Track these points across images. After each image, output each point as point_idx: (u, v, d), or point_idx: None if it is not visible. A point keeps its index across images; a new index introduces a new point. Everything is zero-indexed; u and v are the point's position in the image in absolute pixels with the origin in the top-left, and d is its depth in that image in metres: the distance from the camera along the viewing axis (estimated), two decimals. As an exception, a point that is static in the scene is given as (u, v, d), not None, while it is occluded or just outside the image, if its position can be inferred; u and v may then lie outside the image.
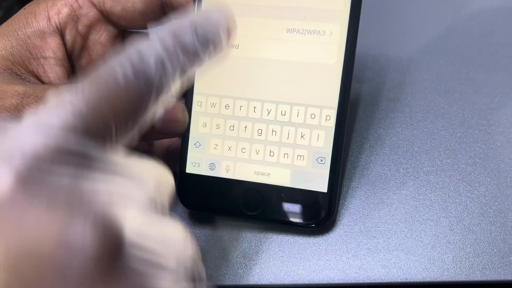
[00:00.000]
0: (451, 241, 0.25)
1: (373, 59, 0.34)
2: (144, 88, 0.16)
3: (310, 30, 0.26)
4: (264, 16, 0.26)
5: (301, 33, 0.26)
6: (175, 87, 0.18)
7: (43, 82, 0.25)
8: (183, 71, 0.18)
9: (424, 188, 0.27)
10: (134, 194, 0.15)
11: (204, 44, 0.18)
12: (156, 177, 0.17)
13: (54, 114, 0.15)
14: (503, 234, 0.25)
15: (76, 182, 0.14)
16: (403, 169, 0.28)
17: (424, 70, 0.33)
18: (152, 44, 0.17)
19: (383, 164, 0.29)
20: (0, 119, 0.15)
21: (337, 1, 0.25)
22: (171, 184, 0.18)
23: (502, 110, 0.30)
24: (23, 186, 0.13)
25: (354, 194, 0.28)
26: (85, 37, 0.27)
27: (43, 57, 0.25)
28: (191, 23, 0.18)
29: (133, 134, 0.17)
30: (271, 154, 0.27)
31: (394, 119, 0.30)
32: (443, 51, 0.34)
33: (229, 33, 0.19)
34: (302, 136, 0.26)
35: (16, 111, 0.22)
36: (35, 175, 0.14)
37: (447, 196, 0.27)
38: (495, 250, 0.25)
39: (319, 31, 0.26)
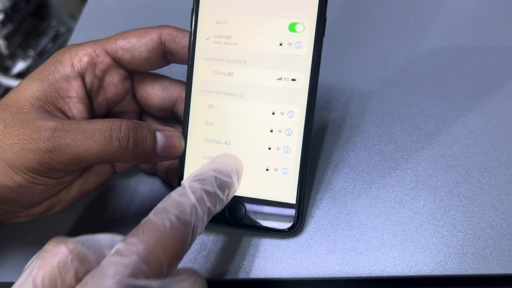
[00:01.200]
0: (393, 244, 0.31)
1: (340, 91, 0.40)
2: (186, 229, 0.23)
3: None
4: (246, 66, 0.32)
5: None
6: (204, 223, 0.25)
7: (68, 117, 0.31)
8: (209, 211, 0.25)
9: (374, 201, 0.33)
10: None
11: (222, 189, 0.26)
12: None
13: (127, 260, 0.21)
14: (435, 239, 0.31)
15: None
16: (359, 185, 0.34)
17: (382, 101, 0.39)
18: (187, 195, 0.24)
19: (343, 181, 0.34)
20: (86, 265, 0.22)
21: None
22: None
23: (444, 135, 0.36)
24: None
25: (318, 205, 0.33)
26: (101, 79, 0.33)
27: (68, 97, 0.31)
28: (212, 174, 0.26)
29: (178, 263, 0.24)
30: (250, 172, 0.32)
31: (355, 143, 0.36)
32: (399, 84, 0.39)
33: (239, 175, 0.28)
34: (275, 159, 0.31)
35: (49, 142, 0.27)
36: None
37: (393, 207, 0.32)
38: (427, 251, 0.30)
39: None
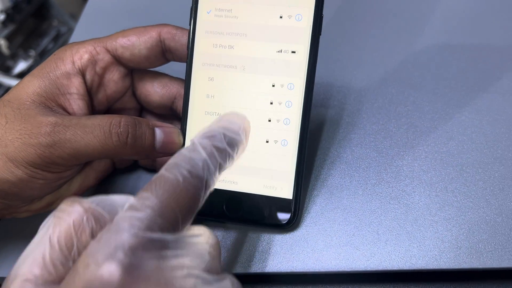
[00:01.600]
0: (389, 239, 0.31)
1: (337, 89, 0.40)
2: (198, 184, 0.23)
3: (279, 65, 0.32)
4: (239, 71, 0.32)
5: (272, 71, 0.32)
6: (216, 179, 0.25)
7: (69, 113, 0.31)
8: (220, 167, 0.25)
9: (370, 197, 0.33)
10: (196, 264, 0.22)
11: (231, 146, 0.26)
12: (209, 246, 0.23)
13: (141, 213, 0.21)
14: (429, 234, 0.31)
15: (159, 262, 0.20)
16: (355, 181, 0.34)
17: (379, 98, 0.39)
18: (198, 151, 0.24)
19: (340, 177, 0.35)
20: (102, 216, 0.22)
21: (297, 52, 0.31)
22: (219, 248, 0.25)
23: (439, 132, 0.36)
24: (128, 275, 0.19)
25: (315, 201, 0.34)
26: (101, 76, 0.33)
27: (68, 93, 0.31)
28: (220, 131, 0.25)
29: (192, 219, 0.24)
30: (248, 169, 0.32)
31: (351, 140, 0.37)
32: (395, 81, 0.40)
33: (246, 133, 0.27)
34: (272, 156, 0.32)
35: (49, 137, 0.28)
36: (134, 263, 0.19)
37: (388, 203, 0.33)
38: (422, 246, 0.31)
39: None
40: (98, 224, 0.22)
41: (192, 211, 0.23)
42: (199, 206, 0.24)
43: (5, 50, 1.38)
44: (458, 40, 0.43)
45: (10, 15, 1.36)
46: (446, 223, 0.32)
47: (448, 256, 0.30)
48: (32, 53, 1.43)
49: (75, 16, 1.50)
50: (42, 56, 1.43)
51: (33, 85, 0.30)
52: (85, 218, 0.22)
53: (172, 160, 0.23)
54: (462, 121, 0.37)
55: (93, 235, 0.22)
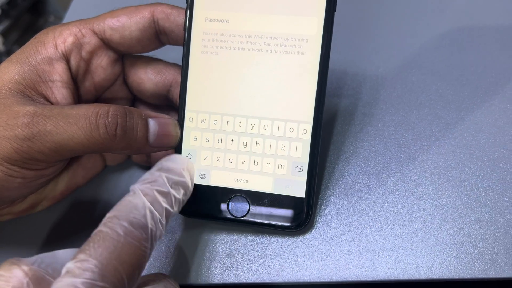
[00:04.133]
0: (414, 244, 0.28)
1: (351, 77, 0.37)
2: (142, 235, 0.22)
3: (288, 53, 0.29)
4: (245, 48, 0.29)
5: (280, 54, 0.29)
6: (164, 227, 0.23)
7: (51, 103, 0.28)
8: (167, 212, 0.24)
9: (392, 196, 0.30)
10: None
11: (176, 188, 0.25)
12: None
13: (80, 279, 0.19)
14: (460, 238, 0.28)
15: None
16: (374, 178, 0.31)
17: (398, 87, 0.36)
18: (140, 198, 0.23)
19: (356, 174, 0.32)
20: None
21: (310, 27, 0.28)
22: None
23: (466, 124, 0.33)
24: None
25: (329, 201, 0.31)
26: (88, 62, 0.30)
27: (51, 81, 0.28)
28: (162, 174, 0.25)
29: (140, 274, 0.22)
30: (255, 163, 0.29)
31: (368, 133, 0.33)
32: (415, 69, 0.37)
33: (191, 174, 0.27)
34: (282, 148, 0.29)
35: (27, 129, 0.25)
36: None
37: (412, 203, 0.30)
38: (453, 252, 0.28)
39: (297, 52, 0.29)
40: (41, 287, 0.21)
41: (139, 266, 0.21)
42: (147, 258, 0.22)
43: (0, 47, 1.36)
44: (484, 21, 0.40)
45: (5, 10, 1.35)
46: (479, 226, 0.28)
47: (484, 263, 0.27)
48: (28, 49, 1.41)
49: (71, 11, 1.48)
50: (38, 52, 1.41)
51: (11, 72, 0.28)
52: (25, 283, 0.21)
53: (111, 213, 0.22)
54: (492, 111, 0.34)
55: None
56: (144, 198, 0.23)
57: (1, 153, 0.25)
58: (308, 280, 0.28)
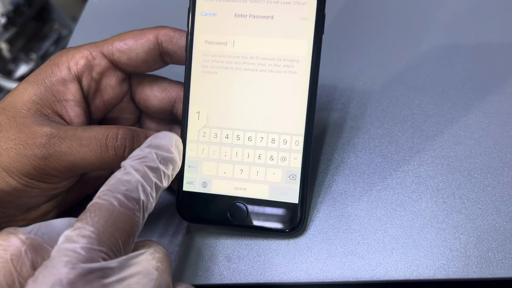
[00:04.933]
0: (395, 248, 0.30)
1: (340, 92, 0.39)
2: (135, 206, 0.23)
3: (281, 73, 0.31)
4: (242, 68, 0.31)
5: (274, 73, 0.31)
6: (154, 199, 0.25)
7: (65, 120, 0.30)
8: (157, 186, 0.26)
9: (375, 204, 0.32)
10: (145, 283, 0.22)
11: (165, 164, 0.26)
12: (156, 261, 0.23)
13: (78, 244, 0.20)
14: (437, 242, 0.30)
15: None
16: (360, 187, 0.33)
17: (383, 102, 0.38)
18: (131, 173, 0.24)
19: (343, 183, 0.34)
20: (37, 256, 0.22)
21: (300, 48, 0.30)
22: (168, 260, 0.25)
23: (445, 136, 0.35)
24: None
25: (319, 207, 0.33)
26: (98, 82, 0.32)
27: (65, 100, 0.31)
28: (152, 150, 0.26)
29: (134, 241, 0.23)
30: (252, 173, 0.31)
31: (355, 145, 0.36)
32: (399, 85, 0.39)
33: (179, 150, 0.28)
34: (277, 158, 0.31)
35: (44, 149, 0.27)
36: None
37: (394, 210, 0.32)
38: (429, 254, 0.30)
39: (289, 72, 0.31)
40: (39, 254, 0.22)
41: (133, 233, 0.23)
42: (140, 227, 0.24)
43: (6, 54, 1.38)
44: (464, 40, 0.42)
45: (11, 18, 1.36)
46: (454, 231, 0.31)
47: (457, 265, 0.29)
48: (34, 56, 1.43)
49: (76, 19, 1.49)
50: (44, 59, 1.42)
51: (29, 93, 0.30)
52: (23, 250, 0.21)
53: (104, 187, 0.24)
54: (469, 125, 0.36)
55: (34, 266, 0.21)
56: (135, 173, 0.24)
57: (21, 168, 0.27)
58: (298, 281, 0.30)
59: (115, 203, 0.23)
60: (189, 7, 0.32)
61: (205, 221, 0.33)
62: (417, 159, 0.34)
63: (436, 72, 0.40)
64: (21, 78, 1.34)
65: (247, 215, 0.32)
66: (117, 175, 0.24)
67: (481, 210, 0.31)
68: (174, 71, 0.35)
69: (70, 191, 0.34)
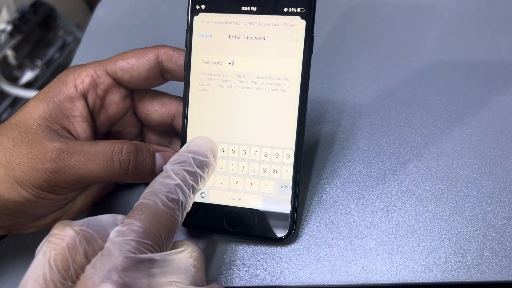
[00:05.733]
0: (380, 253, 0.32)
1: (332, 105, 0.41)
2: (175, 206, 0.26)
3: (273, 90, 0.33)
4: (236, 86, 0.33)
5: (266, 91, 0.33)
6: (191, 199, 0.28)
7: (73, 135, 0.33)
8: (193, 188, 0.28)
9: (363, 212, 0.34)
10: (183, 278, 0.25)
11: (201, 168, 0.29)
12: (193, 259, 0.26)
13: (129, 237, 0.23)
14: (419, 248, 0.32)
15: (150, 280, 0.23)
16: (349, 196, 0.35)
17: (371, 115, 0.40)
18: (171, 177, 0.27)
19: (334, 192, 0.36)
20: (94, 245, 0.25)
21: (290, 68, 0.32)
22: (202, 259, 0.28)
23: (430, 148, 0.37)
24: None
25: (310, 216, 0.35)
26: (102, 98, 0.35)
27: (72, 116, 0.33)
28: (189, 155, 0.29)
29: (174, 238, 0.26)
30: (247, 184, 0.33)
31: (344, 156, 0.38)
32: (387, 98, 0.41)
33: (214, 154, 0.31)
34: (269, 170, 0.33)
35: (54, 163, 0.29)
36: (127, 283, 0.22)
37: (380, 218, 0.34)
38: (412, 260, 0.32)
39: (280, 90, 0.33)
40: (90, 244, 0.24)
41: (174, 230, 0.26)
42: (179, 225, 0.27)
43: (12, 61, 1.40)
44: (448, 56, 0.44)
45: (17, 26, 1.38)
46: (435, 238, 0.33)
47: (437, 270, 0.31)
48: (39, 63, 1.45)
49: (81, 26, 1.52)
50: (49, 65, 1.45)
51: (39, 110, 0.32)
52: (77, 240, 0.24)
53: (149, 189, 0.26)
54: (452, 137, 0.38)
55: (86, 255, 0.24)
56: (175, 177, 0.27)
57: (33, 181, 0.29)
58: (289, 284, 0.32)
59: (159, 203, 0.25)
60: (187, 29, 0.34)
61: (203, 228, 0.35)
62: (403, 169, 0.36)
63: (422, 87, 0.42)
64: (27, 85, 1.36)
65: (242, 223, 0.34)
66: (159, 178, 0.27)
67: (461, 218, 0.33)
68: (175, 84, 0.37)
69: (77, 200, 0.36)
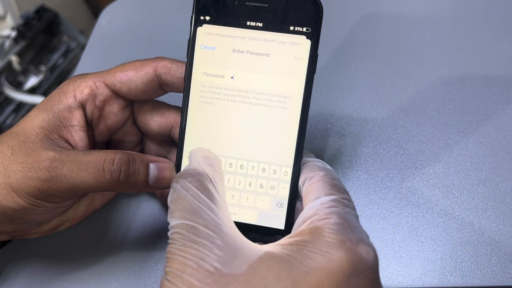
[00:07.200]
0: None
1: (330, 113, 0.42)
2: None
3: (274, 107, 0.32)
4: (237, 101, 0.33)
5: (267, 107, 0.32)
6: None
7: (71, 144, 0.33)
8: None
9: (360, 217, 0.34)
10: None
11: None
12: None
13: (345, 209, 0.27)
14: (416, 253, 0.33)
15: None
16: None
17: (369, 122, 0.41)
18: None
19: None
20: None
21: (293, 86, 0.32)
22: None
23: (426, 154, 0.38)
24: (376, 258, 0.25)
25: None
26: (101, 109, 0.35)
27: (70, 126, 0.33)
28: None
29: None
30: (242, 199, 0.33)
31: (342, 163, 0.38)
32: (385, 106, 0.42)
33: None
34: (266, 186, 0.32)
35: (47, 172, 0.29)
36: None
37: (377, 223, 0.34)
38: (409, 265, 0.32)
39: (281, 107, 0.32)
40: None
41: None
42: None
43: (17, 66, 1.41)
44: (445, 65, 0.45)
45: (22, 32, 1.39)
46: (431, 243, 0.33)
47: (433, 275, 0.32)
48: (43, 68, 1.46)
49: (84, 32, 1.53)
50: (53, 71, 1.46)
51: (38, 119, 0.32)
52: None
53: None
54: (448, 144, 0.38)
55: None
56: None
57: (27, 189, 0.30)
58: None
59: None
60: (189, 39, 0.33)
61: None
62: (400, 176, 0.37)
63: (418, 95, 0.42)
64: (31, 90, 1.37)
65: None
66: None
67: (456, 224, 0.34)
68: (175, 94, 0.38)
69: (79, 207, 0.37)
